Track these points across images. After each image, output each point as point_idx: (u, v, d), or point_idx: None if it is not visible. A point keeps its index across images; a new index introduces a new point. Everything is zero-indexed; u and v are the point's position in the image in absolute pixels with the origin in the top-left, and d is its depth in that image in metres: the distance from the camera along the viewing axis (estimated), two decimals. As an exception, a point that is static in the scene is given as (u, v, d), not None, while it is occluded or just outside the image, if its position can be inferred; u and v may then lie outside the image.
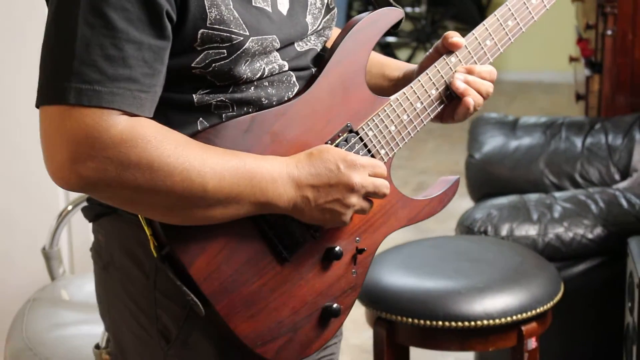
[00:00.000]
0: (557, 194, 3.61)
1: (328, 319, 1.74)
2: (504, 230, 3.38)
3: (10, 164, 3.44)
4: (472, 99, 1.81)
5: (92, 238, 1.72)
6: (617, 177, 3.84)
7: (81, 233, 3.45)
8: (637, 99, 4.21)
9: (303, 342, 1.73)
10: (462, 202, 4.18)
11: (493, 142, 4.03)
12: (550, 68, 7.25)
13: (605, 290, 3.41)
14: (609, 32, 4.20)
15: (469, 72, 1.82)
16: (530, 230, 3.39)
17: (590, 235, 3.40)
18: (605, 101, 4.28)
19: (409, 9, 7.80)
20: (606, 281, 3.41)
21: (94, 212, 1.76)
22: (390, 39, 7.70)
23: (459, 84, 1.81)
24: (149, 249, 1.64)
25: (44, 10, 1.59)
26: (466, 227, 3.44)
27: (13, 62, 3.40)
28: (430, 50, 1.86)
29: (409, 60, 7.60)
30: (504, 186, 3.86)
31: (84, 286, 3.05)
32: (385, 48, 7.68)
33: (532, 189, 3.80)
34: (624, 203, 3.48)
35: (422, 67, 1.85)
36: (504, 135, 4.05)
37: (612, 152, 3.88)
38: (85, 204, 1.80)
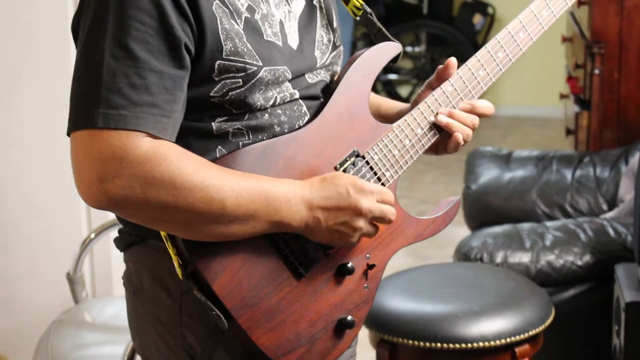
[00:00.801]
0: (549, 224, 3.62)
1: (343, 330, 1.75)
2: (499, 258, 3.39)
3: (37, 194, 3.45)
4: (456, 128, 1.82)
5: (112, 264, 1.75)
6: (604, 207, 3.85)
7: (102, 259, 3.45)
8: (623, 134, 4.21)
9: (321, 352, 1.74)
10: (460, 231, 4.19)
11: (488, 174, 4.04)
12: (542, 104, 7.27)
13: (594, 314, 3.41)
14: (597, 71, 4.21)
15: (472, 108, 1.84)
16: (523, 258, 3.40)
17: (579, 262, 3.41)
18: (593, 136, 4.28)
19: (409, 48, 7.82)
20: (594, 305, 3.41)
21: (125, 242, 1.77)
22: (392, 76, 7.73)
23: (441, 118, 1.82)
24: (175, 274, 1.66)
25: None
26: (463, 254, 3.45)
27: (39, 98, 3.40)
28: (423, 87, 1.88)
29: (409, 96, 7.62)
30: (499, 216, 3.87)
31: (105, 309, 3.06)
32: (387, 85, 7.71)
33: (525, 219, 3.80)
34: (611, 232, 3.49)
35: (416, 103, 1.86)
36: (499, 168, 4.06)
37: (600, 184, 3.89)
38: (110, 232, 1.81)
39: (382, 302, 2.84)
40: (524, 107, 7.51)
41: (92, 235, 3.10)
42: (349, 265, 1.74)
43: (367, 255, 1.78)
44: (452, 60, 1.85)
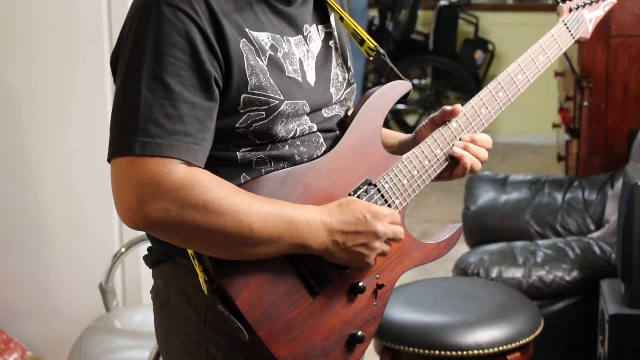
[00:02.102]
0: (540, 242, 3.61)
1: (354, 344, 1.75)
2: (494, 273, 3.38)
3: (74, 210, 3.45)
4: (468, 160, 1.82)
5: (142, 275, 1.74)
6: (592, 227, 3.84)
7: (132, 271, 3.45)
8: (610, 161, 4.20)
9: None
10: (459, 248, 4.16)
11: (486, 196, 4.03)
12: (537, 132, 7.26)
13: (581, 325, 3.40)
14: (585, 103, 4.21)
15: (472, 141, 1.85)
16: (516, 273, 3.39)
17: (568, 278, 3.40)
18: (582, 162, 4.27)
19: (415, 81, 7.82)
20: (581, 317, 3.40)
21: (153, 259, 1.77)
22: (400, 106, 7.74)
23: (457, 151, 1.83)
24: (201, 291, 1.65)
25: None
26: (461, 269, 3.45)
27: (79, 126, 3.42)
28: (427, 121, 1.87)
29: (416, 124, 7.62)
30: (495, 234, 3.86)
31: (134, 317, 3.06)
32: (395, 114, 7.71)
33: (520, 237, 3.79)
34: (597, 250, 3.48)
35: (419, 134, 1.87)
36: (495, 191, 4.06)
37: (588, 206, 3.88)
38: (137, 247, 1.81)
39: (386, 312, 2.82)
40: (521, 135, 7.50)
41: (123, 249, 3.11)
42: (361, 284, 1.74)
43: (377, 276, 1.77)
44: (459, 108, 1.85)
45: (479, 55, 7.51)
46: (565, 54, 4.77)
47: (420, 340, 2.73)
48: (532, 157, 7.15)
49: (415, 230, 5.73)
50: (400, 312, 2.82)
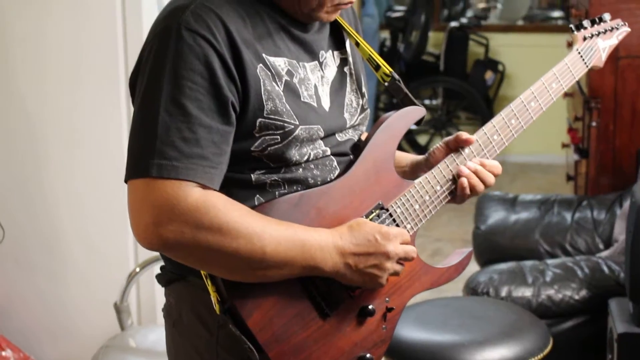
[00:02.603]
0: (549, 261, 3.61)
1: None
2: (503, 292, 3.39)
3: (92, 232, 3.48)
4: (466, 182, 1.82)
5: (156, 295, 1.74)
6: (601, 246, 3.84)
7: (147, 290, 3.46)
8: (618, 181, 4.21)
9: None
10: (470, 267, 4.16)
11: (496, 215, 4.04)
12: (547, 152, 7.25)
13: (590, 343, 3.40)
14: (594, 124, 4.21)
15: (481, 164, 1.85)
16: (525, 292, 3.39)
17: (576, 297, 3.40)
18: (591, 182, 4.28)
19: (427, 101, 7.83)
20: (590, 336, 3.40)
21: (166, 278, 1.78)
22: (412, 126, 7.73)
23: (463, 169, 1.83)
24: (213, 310, 1.65)
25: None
26: (471, 288, 3.45)
27: (94, 149, 3.45)
28: (441, 143, 1.88)
29: (427, 144, 7.63)
30: (505, 253, 3.86)
31: (148, 336, 3.07)
32: (407, 134, 7.68)
33: (529, 256, 3.80)
34: (605, 269, 3.48)
35: (432, 156, 1.88)
36: (505, 210, 4.06)
37: (597, 226, 3.88)
38: (152, 267, 1.81)
39: (397, 331, 2.80)
40: (531, 155, 7.50)
41: (138, 269, 3.12)
42: (370, 307, 1.75)
43: (387, 299, 1.78)
44: (472, 139, 1.86)
45: (489, 75, 7.52)
46: (574, 75, 4.79)
47: (430, 359, 2.73)
48: (542, 177, 7.14)
49: (426, 250, 5.75)
50: (410, 332, 2.83)
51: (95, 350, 3.10)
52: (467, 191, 1.83)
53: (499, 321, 2.88)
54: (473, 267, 4.04)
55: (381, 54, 7.63)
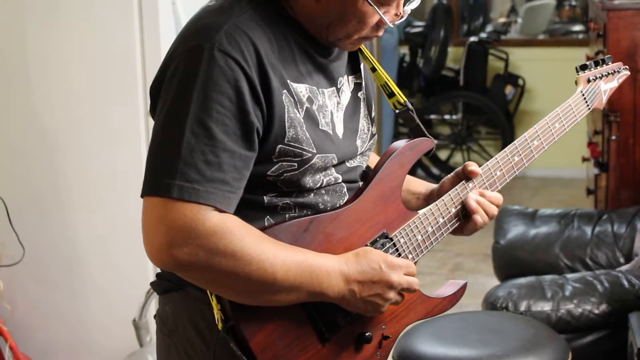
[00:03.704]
0: (569, 275, 3.59)
1: None
2: (523, 306, 3.37)
3: (111, 249, 3.49)
4: (480, 217, 1.84)
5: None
6: (622, 260, 3.81)
7: (166, 307, 3.47)
8: (638, 194, 4.18)
9: None
10: (490, 281, 4.16)
11: (515, 230, 4.02)
12: (568, 166, 7.22)
13: (610, 358, 3.37)
14: (613, 137, 4.20)
15: (481, 195, 1.87)
16: (545, 306, 3.37)
17: (596, 311, 3.38)
18: (611, 195, 4.25)
19: (447, 116, 7.83)
20: (610, 350, 3.37)
21: (163, 287, 1.77)
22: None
23: (472, 203, 1.84)
24: (212, 323, 1.66)
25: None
26: (490, 303, 3.44)
27: (110, 166, 3.46)
28: (452, 174, 1.90)
29: (448, 159, 7.62)
30: (525, 268, 3.84)
31: (166, 352, 3.07)
32: (427, 149, 7.70)
33: (549, 271, 3.77)
34: (625, 283, 3.45)
35: (443, 185, 1.90)
36: (525, 225, 4.05)
37: (617, 239, 3.86)
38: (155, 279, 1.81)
39: (415, 346, 2.83)
40: (552, 169, 7.47)
41: (156, 285, 3.13)
42: (368, 334, 1.76)
43: (383, 327, 1.79)
44: (478, 171, 1.88)
45: (509, 90, 7.50)
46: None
47: (448, 374, 2.73)
48: (563, 191, 7.11)
49: (447, 264, 5.74)
50: (428, 346, 2.82)
51: (114, 366, 3.11)
52: (479, 225, 1.86)
53: (517, 336, 2.86)
54: (492, 281, 4.02)
55: (400, 69, 7.63)
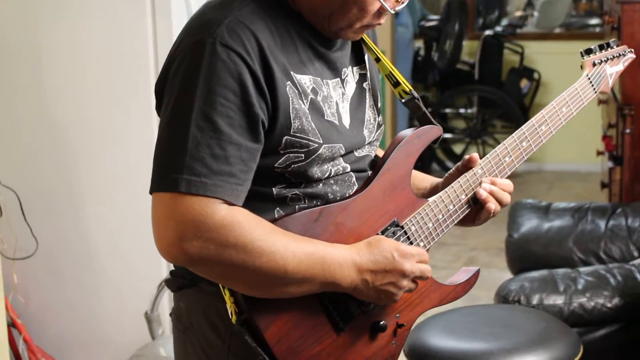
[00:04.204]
0: (581, 269, 3.58)
1: None
2: (535, 300, 3.36)
3: (122, 242, 3.51)
4: (493, 205, 1.84)
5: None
6: (635, 254, 3.80)
7: (178, 300, 3.48)
8: (653, 188, 4.18)
9: None
10: (504, 275, 4.15)
11: (529, 223, 4.01)
12: (583, 160, 7.20)
13: (623, 352, 3.36)
14: (628, 131, 4.18)
15: (492, 183, 1.86)
16: (557, 300, 3.37)
17: (609, 305, 3.36)
18: (625, 189, 4.24)
19: (462, 110, 7.81)
20: (623, 344, 3.36)
21: (177, 284, 1.78)
22: (447, 135, 7.73)
23: (482, 193, 1.84)
24: (226, 317, 1.66)
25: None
26: (502, 296, 3.43)
27: (123, 154, 3.48)
28: (453, 169, 1.90)
29: (463, 153, 7.60)
30: (539, 262, 3.83)
31: (178, 345, 3.08)
32: (442, 142, 7.68)
33: (563, 265, 3.76)
34: (638, 277, 3.44)
35: (446, 180, 1.89)
36: (538, 218, 4.03)
37: (631, 233, 3.84)
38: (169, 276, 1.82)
39: (426, 339, 2.83)
40: (568, 163, 7.45)
41: (168, 278, 3.14)
42: (382, 323, 1.76)
43: (397, 315, 1.80)
44: (475, 156, 1.88)
45: (524, 83, 7.49)
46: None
47: (458, 368, 2.72)
48: (579, 185, 7.09)
49: (461, 258, 5.74)
50: (439, 340, 2.82)
51: (127, 359, 3.11)
52: (492, 213, 1.85)
53: (528, 329, 2.86)
54: (506, 275, 4.01)
55: (415, 63, 7.62)
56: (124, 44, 3.38)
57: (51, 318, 3.60)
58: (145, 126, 3.40)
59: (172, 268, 1.80)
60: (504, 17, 8.31)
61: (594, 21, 8.05)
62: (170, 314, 1.83)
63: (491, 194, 1.85)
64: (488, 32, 7.60)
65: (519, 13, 8.45)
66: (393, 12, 1.72)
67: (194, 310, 1.75)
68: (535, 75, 7.59)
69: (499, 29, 7.74)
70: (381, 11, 1.71)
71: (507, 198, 1.87)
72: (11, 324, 3.35)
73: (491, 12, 8.27)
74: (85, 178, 3.50)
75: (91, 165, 3.49)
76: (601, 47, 2.10)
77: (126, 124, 3.44)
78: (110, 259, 3.53)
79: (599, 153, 5.00)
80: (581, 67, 2.08)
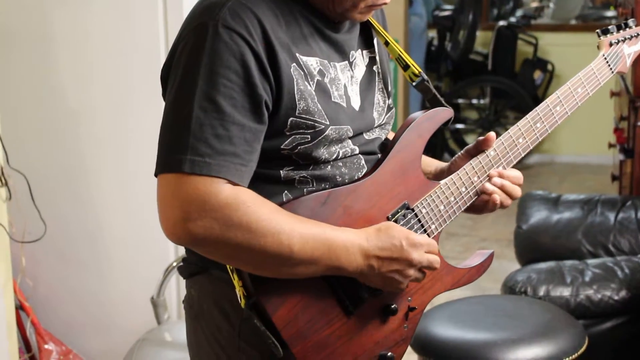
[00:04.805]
0: (589, 261, 3.58)
1: None
2: (541, 291, 3.36)
3: (131, 226, 3.52)
4: (498, 197, 1.83)
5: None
6: (645, 247, 3.80)
7: (186, 285, 3.49)
8: (663, 181, 4.16)
9: None
10: (514, 267, 4.15)
11: (538, 215, 4.00)
12: (595, 152, 7.18)
13: (629, 344, 3.35)
14: (639, 123, 4.17)
15: (500, 176, 1.85)
16: (564, 292, 3.36)
17: (616, 297, 3.36)
18: (636, 182, 4.21)
19: (474, 100, 7.80)
20: (630, 336, 3.35)
21: (189, 271, 1.78)
22: (459, 126, 7.72)
23: (488, 187, 1.84)
24: (236, 303, 1.66)
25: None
26: (509, 287, 3.43)
27: (133, 138, 3.48)
28: (463, 151, 1.89)
29: (475, 144, 7.58)
30: (547, 253, 3.82)
31: (183, 330, 3.07)
32: (455, 133, 7.69)
33: (571, 257, 3.75)
34: (646, 270, 3.44)
35: (454, 164, 1.88)
36: (548, 210, 4.03)
37: (641, 226, 3.84)
38: (181, 263, 1.83)
39: (431, 328, 2.83)
40: (580, 155, 7.43)
41: (174, 264, 3.15)
42: (393, 306, 1.75)
43: (409, 299, 1.78)
44: (492, 135, 1.86)
45: (538, 75, 7.47)
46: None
47: (462, 357, 2.72)
48: (592, 178, 7.07)
49: (471, 249, 5.73)
50: (443, 329, 2.82)
51: (133, 342, 3.13)
52: (498, 205, 1.84)
53: (533, 320, 2.86)
54: (516, 267, 4.01)
55: (428, 52, 7.60)
56: (133, 27, 3.39)
57: (59, 301, 3.62)
58: (153, 111, 3.38)
59: (181, 253, 1.81)
60: (519, 8, 8.28)
61: (610, 13, 8.02)
62: (183, 301, 1.84)
63: (502, 188, 1.84)
64: (502, 23, 7.58)
65: (534, 4, 8.42)
66: None
67: (205, 296, 1.75)
68: (549, 67, 7.56)
69: (513, 19, 7.71)
70: None
71: (517, 191, 1.86)
72: (19, 307, 3.37)
73: (506, 2, 8.25)
74: (93, 162, 3.51)
75: (99, 148, 3.50)
76: (619, 27, 2.06)
77: (135, 109, 3.45)
78: (118, 243, 3.54)
79: (611, 145, 4.98)
80: (598, 47, 2.04)
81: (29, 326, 3.42)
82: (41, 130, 3.53)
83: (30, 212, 3.43)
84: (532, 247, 3.93)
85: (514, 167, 1.92)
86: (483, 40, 7.84)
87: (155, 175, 1.60)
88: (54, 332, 3.57)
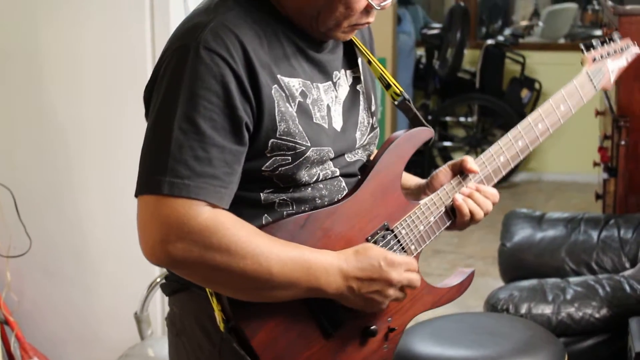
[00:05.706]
0: (571, 279, 3.59)
1: None
2: (523, 309, 3.37)
3: (117, 241, 3.52)
4: (466, 208, 1.83)
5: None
6: (627, 265, 3.80)
7: (170, 301, 3.49)
8: (646, 200, 4.19)
9: None
10: (498, 284, 4.16)
11: (522, 233, 4.01)
12: (582, 171, 7.20)
13: (609, 362, 3.38)
14: (623, 142, 4.18)
15: (477, 190, 1.85)
16: (545, 309, 3.38)
17: (597, 315, 3.38)
18: (619, 201, 4.24)
19: (462, 118, 7.82)
20: (610, 355, 3.37)
21: (171, 288, 1.78)
22: (447, 144, 7.74)
23: (457, 197, 1.84)
24: (216, 322, 1.67)
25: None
26: (491, 305, 3.44)
27: (119, 155, 3.50)
28: (445, 166, 1.89)
29: (463, 162, 7.60)
30: (531, 271, 3.83)
31: (166, 346, 3.08)
32: (442, 151, 7.71)
33: (555, 274, 3.76)
34: (627, 288, 3.45)
35: (434, 179, 1.88)
36: (532, 228, 4.04)
37: (624, 244, 3.85)
38: (164, 280, 1.83)
39: (411, 345, 2.83)
40: (567, 174, 7.45)
41: (158, 279, 3.15)
42: (373, 328, 1.76)
43: (389, 319, 1.79)
44: (476, 171, 1.86)
45: (525, 93, 7.50)
46: (605, 93, 4.76)
47: (443, 374, 2.74)
48: (578, 196, 7.09)
49: (457, 266, 5.71)
50: (424, 346, 2.82)
51: (115, 358, 3.13)
52: (467, 217, 1.84)
53: (514, 338, 2.86)
54: (499, 283, 4.02)
55: (417, 70, 7.63)
56: (121, 44, 3.40)
57: (43, 316, 3.62)
58: (140, 127, 3.36)
59: (165, 270, 1.82)
60: (508, 27, 8.33)
61: (598, 32, 8.06)
62: (165, 318, 1.84)
63: (470, 196, 1.84)
64: (490, 41, 7.61)
65: (524, 22, 8.47)
66: (378, 9, 1.70)
67: (187, 314, 1.75)
68: (536, 86, 7.60)
69: (500, 38, 7.75)
70: (368, 9, 1.70)
71: (488, 206, 1.86)
72: (4, 322, 3.37)
73: (495, 21, 8.29)
74: (80, 177, 3.52)
75: (86, 164, 3.51)
76: (602, 42, 2.06)
77: (121, 124, 3.45)
78: (103, 259, 3.54)
79: (596, 164, 5.01)
80: (581, 63, 2.04)
81: (14, 341, 3.42)
82: (27, 145, 3.54)
83: (16, 226, 3.43)
84: (515, 264, 3.94)
85: (498, 184, 1.92)
86: (471, 59, 7.87)
87: (136, 196, 1.61)
88: (39, 347, 3.56)
